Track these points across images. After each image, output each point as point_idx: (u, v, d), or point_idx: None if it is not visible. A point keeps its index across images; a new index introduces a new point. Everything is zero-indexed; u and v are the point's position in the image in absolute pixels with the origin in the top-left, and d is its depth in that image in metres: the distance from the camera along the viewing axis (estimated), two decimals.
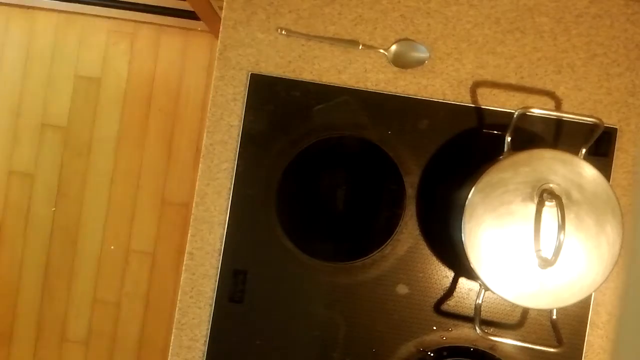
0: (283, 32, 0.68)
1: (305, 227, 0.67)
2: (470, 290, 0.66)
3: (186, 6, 1.38)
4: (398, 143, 0.67)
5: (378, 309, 0.67)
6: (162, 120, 1.57)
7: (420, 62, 0.68)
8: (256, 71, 0.69)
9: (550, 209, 0.54)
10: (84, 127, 1.59)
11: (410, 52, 0.68)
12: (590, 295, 0.65)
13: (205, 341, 0.67)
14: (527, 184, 0.54)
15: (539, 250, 0.54)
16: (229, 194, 0.68)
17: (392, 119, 0.67)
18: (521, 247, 0.54)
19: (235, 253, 0.67)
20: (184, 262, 0.68)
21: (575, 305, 0.55)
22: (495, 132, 0.67)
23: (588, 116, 0.56)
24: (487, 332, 0.57)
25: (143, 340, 1.56)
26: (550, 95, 0.67)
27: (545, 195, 0.53)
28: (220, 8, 0.74)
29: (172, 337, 0.68)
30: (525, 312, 0.66)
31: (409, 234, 0.67)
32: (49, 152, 1.60)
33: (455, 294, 0.66)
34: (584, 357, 0.65)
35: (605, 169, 0.65)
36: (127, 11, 1.55)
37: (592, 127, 0.57)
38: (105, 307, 1.59)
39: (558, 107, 0.67)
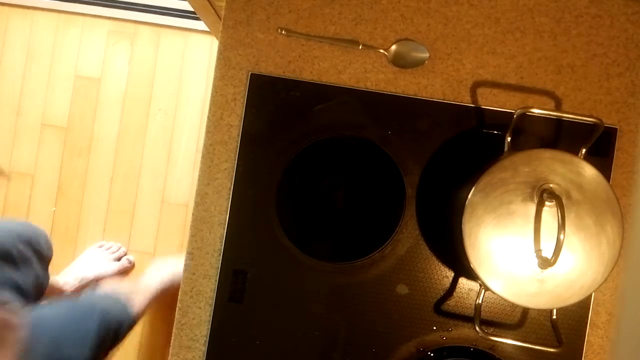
0: (283, 32, 0.68)
1: (305, 227, 0.67)
2: (470, 290, 0.66)
3: (186, 6, 1.38)
4: (398, 143, 0.67)
5: (378, 309, 0.67)
6: (162, 120, 1.57)
7: (420, 62, 0.68)
8: (256, 71, 0.69)
9: (550, 209, 0.54)
10: (84, 127, 1.59)
11: (410, 52, 0.68)
12: (590, 295, 0.65)
13: (205, 341, 0.67)
14: (527, 184, 0.54)
15: (539, 250, 0.54)
16: (229, 194, 0.68)
17: (392, 119, 0.67)
18: (521, 247, 0.54)
19: (235, 253, 0.67)
20: (184, 262, 0.68)
21: (575, 305, 0.55)
22: (495, 132, 0.67)
23: (588, 116, 0.56)
24: (487, 332, 0.57)
25: (143, 340, 1.56)
26: (550, 95, 0.67)
27: (545, 195, 0.53)
28: (221, 8, 0.74)
29: (172, 337, 0.68)
30: (525, 312, 0.66)
31: (409, 234, 0.67)
32: (49, 152, 1.59)
33: (455, 294, 0.66)
34: (584, 357, 0.65)
35: (605, 169, 0.65)
36: (127, 11, 1.55)
37: (592, 127, 0.57)
38: None
39: (558, 107, 0.67)
